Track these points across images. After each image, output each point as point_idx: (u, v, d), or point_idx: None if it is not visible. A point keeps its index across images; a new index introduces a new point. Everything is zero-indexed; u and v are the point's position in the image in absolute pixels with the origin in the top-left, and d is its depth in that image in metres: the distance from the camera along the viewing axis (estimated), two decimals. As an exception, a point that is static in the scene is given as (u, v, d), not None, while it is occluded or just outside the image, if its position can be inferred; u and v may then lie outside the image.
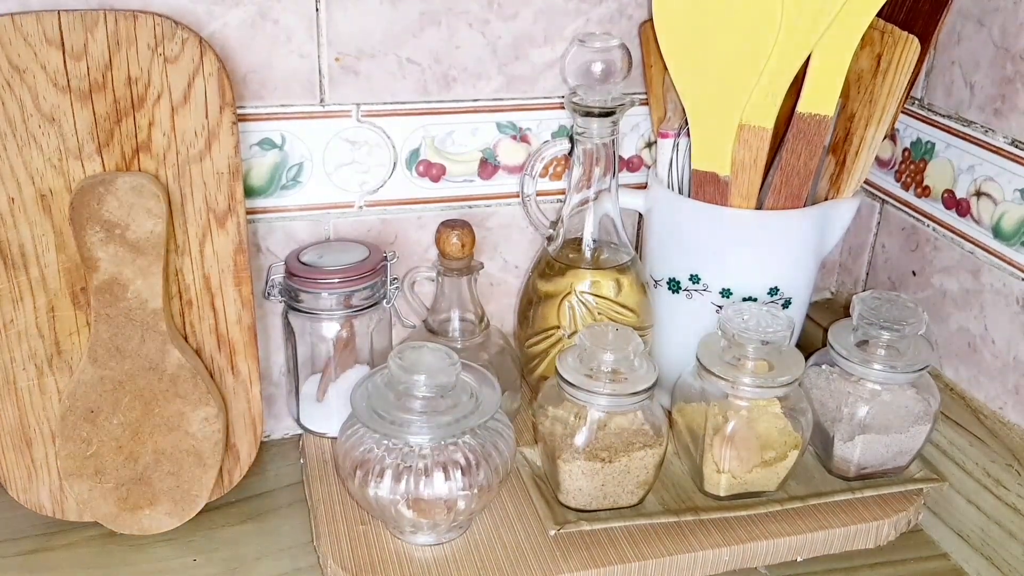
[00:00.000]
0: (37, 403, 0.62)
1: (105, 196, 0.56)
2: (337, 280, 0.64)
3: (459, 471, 0.56)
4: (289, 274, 0.64)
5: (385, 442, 0.56)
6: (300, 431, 0.70)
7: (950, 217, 0.66)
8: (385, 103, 0.67)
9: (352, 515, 0.62)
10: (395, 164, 0.69)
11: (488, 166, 0.71)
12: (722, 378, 0.61)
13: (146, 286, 0.59)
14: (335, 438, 0.63)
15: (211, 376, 0.64)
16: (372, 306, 0.66)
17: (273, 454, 0.73)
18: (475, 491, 0.57)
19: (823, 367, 0.66)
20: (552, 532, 0.59)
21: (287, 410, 0.72)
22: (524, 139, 0.71)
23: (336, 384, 0.67)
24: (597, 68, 0.63)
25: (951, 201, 0.66)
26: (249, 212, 0.65)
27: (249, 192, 0.66)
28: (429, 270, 0.67)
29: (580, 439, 0.59)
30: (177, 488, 0.64)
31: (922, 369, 0.63)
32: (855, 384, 0.64)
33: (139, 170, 0.58)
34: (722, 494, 0.63)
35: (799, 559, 0.63)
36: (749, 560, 0.62)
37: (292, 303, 0.65)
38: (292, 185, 0.68)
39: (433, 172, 0.70)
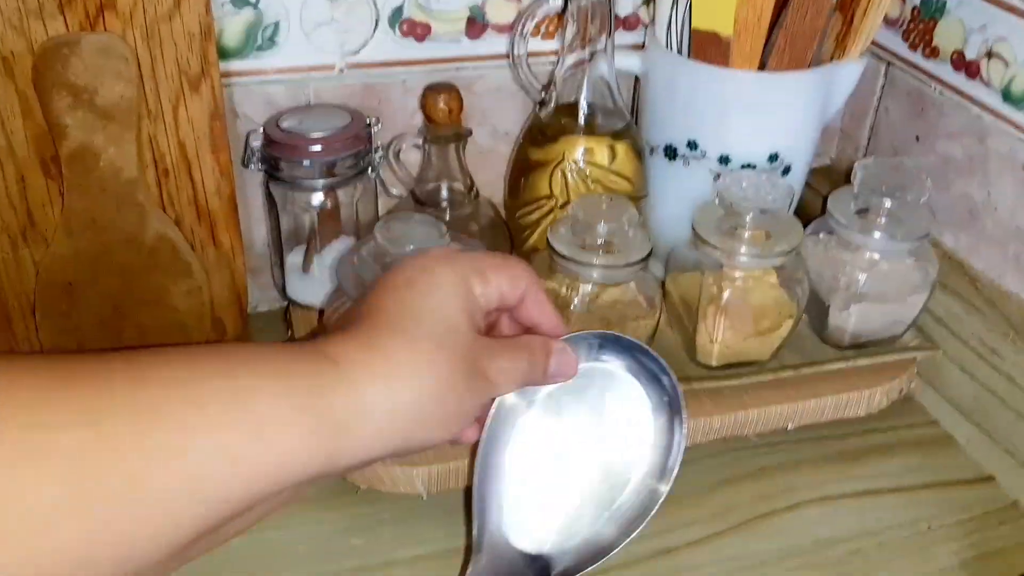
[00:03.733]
0: (13, 277, 0.60)
1: (70, 58, 0.53)
2: (319, 147, 0.61)
3: (449, 344, 0.55)
4: (268, 141, 0.62)
5: (373, 315, 0.55)
6: (286, 303, 0.69)
7: (958, 79, 0.64)
8: (365, -44, 0.63)
9: (342, 388, 0.61)
10: (376, 22, 0.65)
11: (476, 25, 0.67)
12: (718, 248, 0.59)
13: (119, 154, 0.57)
14: (322, 310, 0.61)
15: (192, 249, 0.62)
16: (356, 175, 0.63)
17: (260, 327, 0.72)
18: (466, 364, 0.56)
19: (821, 236, 0.65)
20: (544, 403, 0.59)
21: (272, 282, 0.70)
22: (514, -4, 0.67)
23: (321, 256, 0.65)
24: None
25: (960, 62, 0.63)
26: (224, 75, 0.61)
27: (223, 54, 0.63)
28: (415, 137, 0.65)
29: (573, 311, 0.58)
30: (163, 362, 0.63)
31: (923, 237, 0.61)
32: (853, 253, 0.62)
33: (105, 30, 0.55)
34: (714, 364, 0.63)
35: (790, 427, 0.63)
36: (740, 429, 0.62)
37: (272, 172, 0.63)
38: (268, 46, 0.64)
39: (417, 31, 0.66)
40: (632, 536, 0.48)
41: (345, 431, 0.34)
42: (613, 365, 0.48)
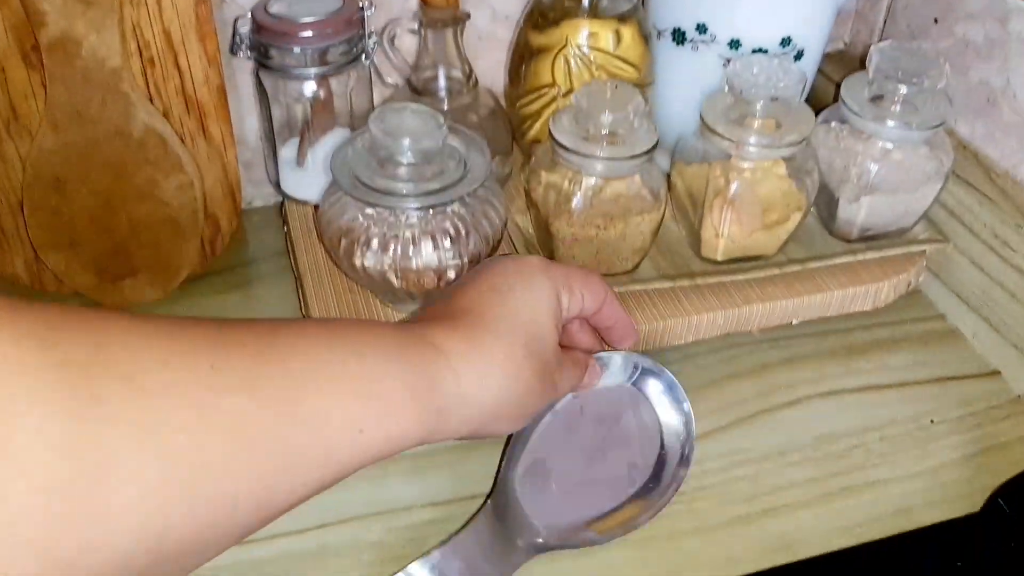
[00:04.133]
0: (0, 172, 0.58)
1: (42, -61, 0.50)
2: (310, 33, 0.58)
3: (448, 240, 0.54)
4: (257, 27, 0.59)
5: (370, 211, 0.53)
6: (282, 199, 0.67)
7: (982, -44, 0.60)
8: None
9: (340, 284, 0.60)
10: (368, -102, 0.62)
11: (473, -100, 0.64)
12: (726, 138, 0.57)
13: (101, 42, 0.54)
14: (318, 205, 0.60)
15: (182, 142, 0.60)
16: (349, 63, 0.61)
17: (255, 223, 0.70)
18: (465, 260, 0.55)
19: (832, 124, 0.62)
20: (545, 299, 0.58)
21: (267, 177, 0.68)
22: None
23: (315, 149, 0.63)
24: None
25: (986, -62, 0.60)
26: (208, -43, 0.58)
27: (206, -67, 0.59)
28: (410, 21, 0.62)
29: (575, 206, 0.56)
30: (157, 259, 0.62)
31: (939, 125, 0.59)
32: (865, 142, 0.60)
33: (78, -92, 0.52)
34: (720, 259, 0.62)
35: (794, 322, 0.62)
36: (744, 324, 0.61)
37: (262, 60, 0.60)
38: (253, -76, 0.61)
39: (411, -93, 0.63)
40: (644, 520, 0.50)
41: (444, 414, 0.39)
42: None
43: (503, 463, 0.51)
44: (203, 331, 0.33)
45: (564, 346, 0.48)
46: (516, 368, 0.42)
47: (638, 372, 0.53)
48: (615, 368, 0.53)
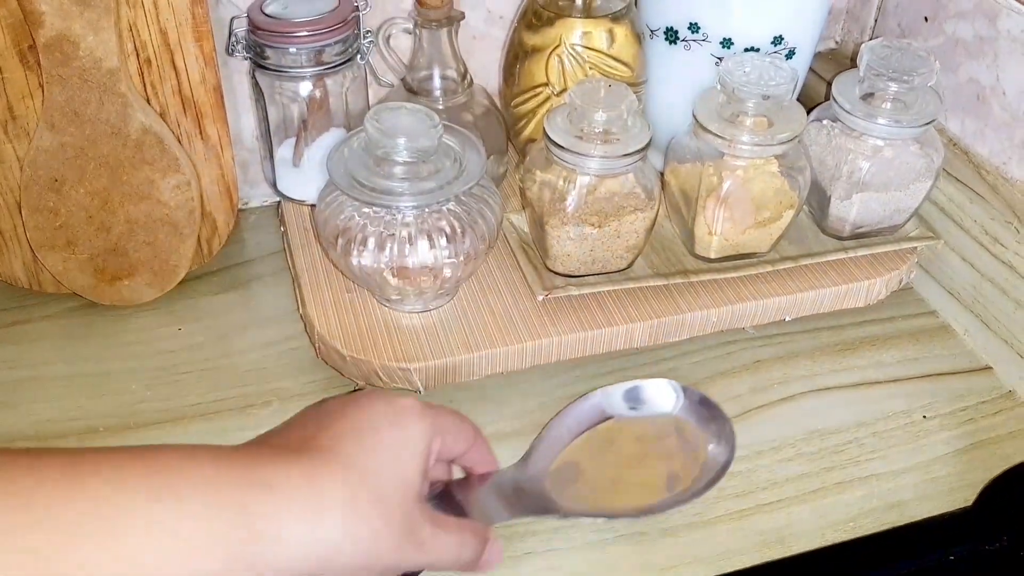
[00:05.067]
0: (-3, 172, 0.59)
1: (39, -59, 0.50)
2: (305, 32, 0.58)
3: (444, 238, 0.54)
4: (253, 27, 0.59)
5: (366, 210, 0.54)
6: (278, 199, 0.68)
7: (972, -44, 0.61)
8: None
9: (337, 283, 0.61)
10: (363, -101, 0.62)
11: (467, -99, 0.64)
12: (719, 136, 0.57)
13: (98, 43, 0.54)
14: (314, 205, 0.60)
15: (179, 142, 0.60)
16: (345, 63, 0.61)
17: (252, 223, 0.71)
18: (461, 259, 0.55)
19: (824, 122, 0.63)
20: (540, 297, 0.58)
21: (263, 177, 0.68)
22: None
23: (311, 148, 0.64)
24: None
25: (975, -63, 0.60)
26: (204, -42, 0.58)
27: (202, -65, 0.60)
28: (406, 21, 0.62)
29: (569, 204, 0.57)
30: (154, 258, 0.62)
31: (929, 123, 0.60)
32: (857, 140, 0.61)
33: (74, -91, 0.52)
34: (713, 256, 0.62)
35: (787, 319, 0.63)
36: (737, 321, 0.62)
37: (258, 60, 0.60)
38: (249, -74, 0.61)
39: (405, -92, 0.63)
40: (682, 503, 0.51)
41: (261, 557, 0.36)
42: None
43: (529, 457, 0.51)
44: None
45: (461, 516, 0.46)
46: (359, 513, 0.38)
47: (680, 400, 0.54)
48: (657, 396, 0.54)
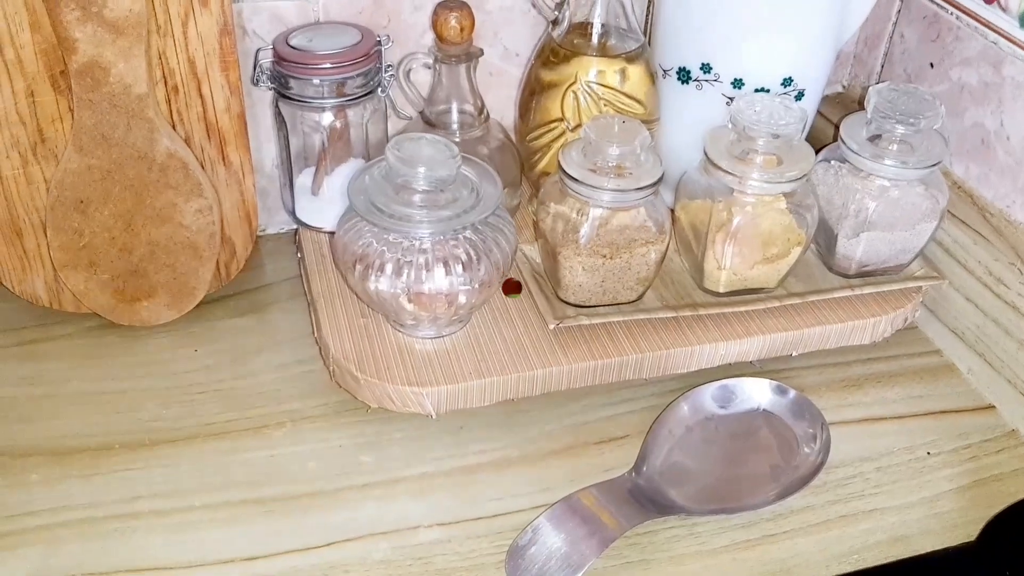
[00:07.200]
0: (24, 193, 0.60)
1: (77, -29, 0.52)
2: (328, 65, 0.60)
3: (460, 266, 0.55)
4: (278, 58, 0.61)
5: (385, 236, 0.55)
6: (295, 226, 0.69)
7: (975, 4, 0.63)
8: None
9: (352, 308, 0.62)
10: (388, -61, 0.64)
11: (488, -57, 0.66)
12: (730, 173, 0.59)
13: (128, 70, 0.56)
14: (331, 232, 0.62)
15: (202, 167, 0.62)
16: (366, 95, 0.63)
17: (270, 249, 0.72)
18: (476, 286, 0.56)
19: (832, 163, 0.64)
20: (552, 326, 0.59)
21: (282, 204, 0.70)
22: (527, -89, 0.66)
23: (331, 178, 0.65)
24: None
25: (980, -13, 0.62)
26: (233, -9, 0.60)
27: (232, -31, 0.62)
28: (426, 56, 0.64)
29: (582, 236, 0.58)
30: (174, 280, 0.63)
31: (935, 164, 0.61)
32: (864, 180, 0.62)
33: (112, -58, 0.54)
34: (721, 290, 0.63)
35: (794, 354, 0.64)
36: (744, 355, 0.62)
37: (282, 90, 0.62)
38: (278, -38, 0.63)
39: (429, -52, 0.65)
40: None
41: None
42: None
43: (644, 463, 0.56)
44: None
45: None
46: None
47: (768, 394, 0.60)
48: (745, 394, 0.60)
